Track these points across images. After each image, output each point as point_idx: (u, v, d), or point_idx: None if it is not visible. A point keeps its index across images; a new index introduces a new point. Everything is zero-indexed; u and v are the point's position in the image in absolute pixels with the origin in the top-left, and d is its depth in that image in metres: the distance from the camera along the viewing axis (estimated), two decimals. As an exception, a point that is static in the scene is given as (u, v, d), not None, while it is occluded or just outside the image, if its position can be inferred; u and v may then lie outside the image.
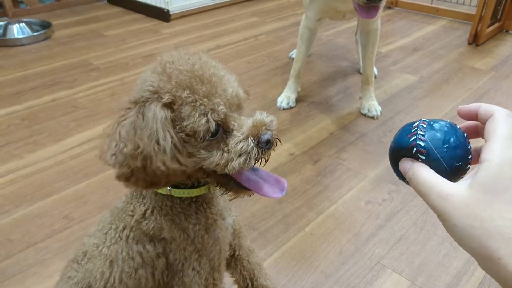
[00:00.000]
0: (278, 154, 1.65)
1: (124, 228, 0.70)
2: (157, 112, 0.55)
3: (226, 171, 0.59)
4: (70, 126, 1.82)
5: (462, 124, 0.46)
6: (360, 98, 1.97)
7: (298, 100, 2.03)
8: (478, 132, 0.46)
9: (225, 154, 0.59)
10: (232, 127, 0.60)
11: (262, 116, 0.62)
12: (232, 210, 0.82)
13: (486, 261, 0.36)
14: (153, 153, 0.55)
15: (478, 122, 0.45)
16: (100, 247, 0.71)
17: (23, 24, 2.76)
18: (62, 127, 1.81)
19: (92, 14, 3.24)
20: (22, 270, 1.17)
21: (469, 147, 0.43)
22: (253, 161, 0.60)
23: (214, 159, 0.59)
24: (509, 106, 1.99)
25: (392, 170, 0.47)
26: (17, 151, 1.66)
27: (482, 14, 2.59)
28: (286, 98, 1.99)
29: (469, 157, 0.42)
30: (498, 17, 2.78)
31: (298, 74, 1.99)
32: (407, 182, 0.44)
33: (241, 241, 0.89)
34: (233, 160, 0.59)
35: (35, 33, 2.72)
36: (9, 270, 1.17)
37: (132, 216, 0.69)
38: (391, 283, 1.15)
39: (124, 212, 0.70)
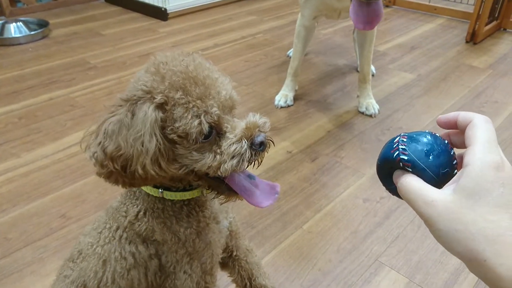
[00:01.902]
0: (275, 152, 1.65)
1: (117, 228, 0.69)
2: (148, 113, 0.55)
3: (219, 173, 0.59)
4: (67, 125, 1.82)
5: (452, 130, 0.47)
6: (358, 96, 1.97)
7: (295, 99, 2.03)
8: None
9: (217, 156, 0.58)
10: (225, 129, 0.59)
11: (255, 118, 0.62)
12: (229, 212, 0.81)
13: (473, 263, 0.37)
14: (135, 154, 0.55)
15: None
16: (94, 246, 0.71)
17: (20, 23, 2.76)
18: (60, 126, 1.81)
19: (89, 13, 3.23)
20: (20, 269, 1.17)
21: (452, 153, 0.44)
22: (246, 163, 0.59)
23: (207, 161, 0.58)
24: (506, 104, 2.00)
25: (381, 183, 0.49)
26: (14, 150, 1.65)
27: (480, 13, 2.60)
28: (283, 96, 1.99)
29: (454, 162, 0.43)
30: (496, 15, 2.78)
31: (295, 73, 1.99)
32: (398, 196, 0.46)
33: (238, 242, 0.88)
34: (226, 162, 0.58)
35: (32, 32, 2.71)
36: (7, 269, 1.17)
37: (125, 216, 0.68)
38: (389, 280, 1.15)
39: (118, 212, 0.70)
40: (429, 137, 0.44)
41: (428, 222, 0.39)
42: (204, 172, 0.60)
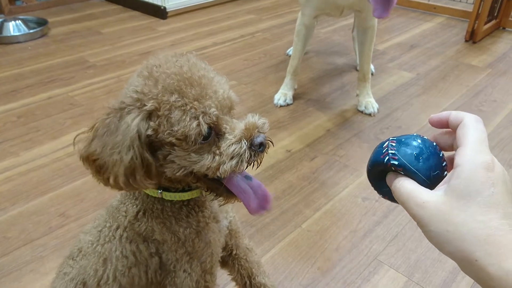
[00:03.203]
0: (275, 151, 1.65)
1: (117, 228, 0.70)
2: (131, 126, 0.54)
3: (218, 174, 0.58)
4: (66, 124, 1.81)
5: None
6: (357, 95, 1.97)
7: (295, 97, 2.03)
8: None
9: (216, 157, 0.58)
10: (224, 130, 0.59)
11: (254, 118, 0.61)
12: (229, 211, 0.81)
13: (464, 263, 0.37)
14: (110, 163, 0.55)
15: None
16: (95, 245, 0.71)
17: (19, 21, 2.75)
18: (59, 124, 1.81)
19: (88, 12, 3.23)
20: (19, 268, 1.17)
21: (441, 155, 0.44)
22: (245, 164, 0.59)
23: (205, 162, 0.58)
24: (505, 103, 2.00)
25: (372, 187, 0.49)
26: (13, 148, 1.65)
27: (479, 12, 2.60)
28: (283, 95, 1.99)
29: (444, 164, 0.44)
30: (495, 14, 2.78)
31: (294, 71, 1.98)
32: (389, 198, 0.47)
33: (238, 241, 0.88)
34: (225, 163, 0.58)
35: (31, 31, 2.71)
36: (6, 267, 1.17)
37: (125, 216, 0.68)
38: (388, 279, 1.15)
39: (118, 212, 0.70)
40: (418, 141, 0.44)
41: (420, 223, 0.40)
42: (203, 173, 0.59)
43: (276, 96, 2.00)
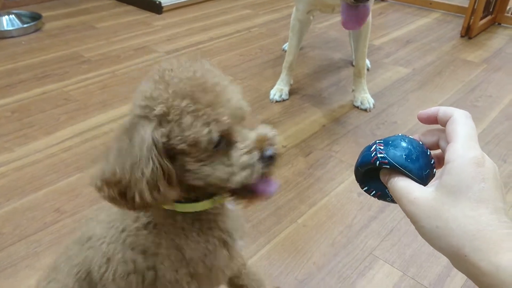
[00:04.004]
0: (270, 146, 1.65)
1: (123, 231, 0.68)
2: (145, 136, 0.53)
3: (229, 185, 0.57)
4: (61, 119, 1.80)
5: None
6: (353, 90, 1.97)
7: (290, 93, 2.02)
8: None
9: (228, 168, 0.57)
10: (235, 139, 0.57)
11: (265, 130, 0.60)
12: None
13: (455, 259, 0.37)
14: (132, 181, 0.53)
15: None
16: (101, 241, 0.69)
17: (13, 15, 2.73)
18: (53, 120, 1.80)
19: (83, 6, 3.20)
20: (14, 263, 1.16)
21: (428, 153, 0.44)
22: (256, 175, 0.57)
23: (217, 173, 0.57)
24: (500, 98, 2.00)
25: (361, 186, 0.49)
26: (7, 144, 1.64)
27: (475, 7, 2.60)
28: (278, 90, 1.98)
29: (432, 162, 0.44)
30: (491, 10, 2.79)
31: (290, 67, 1.98)
32: (380, 195, 0.47)
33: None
34: (236, 173, 0.56)
35: (25, 25, 2.68)
36: (1, 263, 1.16)
37: (134, 222, 0.67)
38: (383, 274, 1.16)
39: (127, 214, 0.68)
40: (406, 141, 0.44)
41: (412, 219, 0.40)
42: (216, 183, 0.58)
43: (272, 92, 2.00)
